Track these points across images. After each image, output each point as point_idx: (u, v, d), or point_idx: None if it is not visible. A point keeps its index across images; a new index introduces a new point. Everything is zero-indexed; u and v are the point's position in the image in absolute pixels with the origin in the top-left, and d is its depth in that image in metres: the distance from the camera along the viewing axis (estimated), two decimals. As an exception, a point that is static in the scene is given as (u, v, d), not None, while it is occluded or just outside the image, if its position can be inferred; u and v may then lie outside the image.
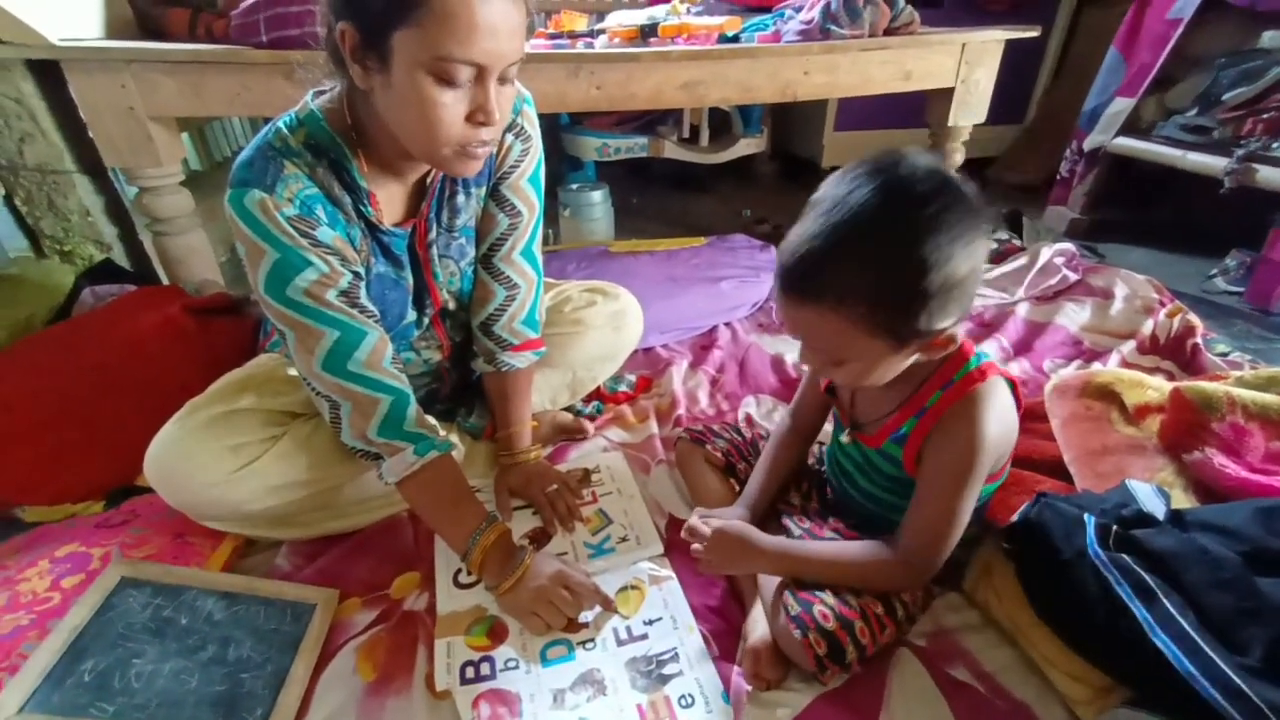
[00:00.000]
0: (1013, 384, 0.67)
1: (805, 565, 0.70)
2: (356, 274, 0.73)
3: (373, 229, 0.75)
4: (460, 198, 0.82)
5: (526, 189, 0.86)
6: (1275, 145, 1.59)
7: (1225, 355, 1.25)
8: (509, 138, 0.82)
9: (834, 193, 0.56)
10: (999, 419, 0.64)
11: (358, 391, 0.73)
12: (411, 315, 0.85)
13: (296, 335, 0.70)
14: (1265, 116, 1.66)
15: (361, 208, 0.73)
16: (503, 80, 0.65)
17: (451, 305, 0.89)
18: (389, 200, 0.76)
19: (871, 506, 0.77)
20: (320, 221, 0.69)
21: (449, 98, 0.61)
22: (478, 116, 0.64)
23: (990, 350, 1.33)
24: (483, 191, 0.84)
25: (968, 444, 0.63)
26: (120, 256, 1.42)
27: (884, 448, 0.71)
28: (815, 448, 0.95)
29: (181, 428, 0.78)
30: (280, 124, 0.69)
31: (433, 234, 0.81)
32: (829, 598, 0.66)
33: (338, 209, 0.71)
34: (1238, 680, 0.53)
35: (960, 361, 0.66)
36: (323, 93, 0.72)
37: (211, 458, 0.76)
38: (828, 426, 1.00)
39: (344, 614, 0.79)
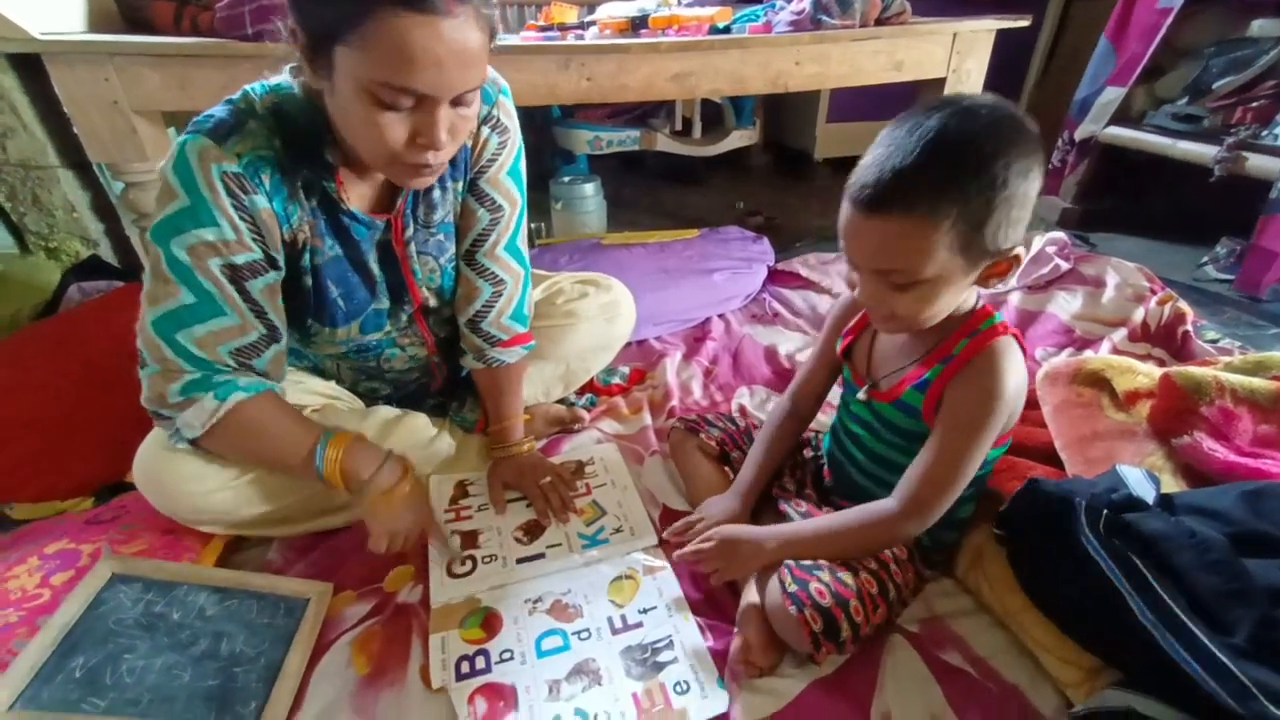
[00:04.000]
0: (1023, 348, 0.68)
1: (805, 543, 0.71)
2: (270, 257, 0.70)
3: (332, 207, 0.73)
4: (436, 193, 0.80)
5: (506, 182, 0.83)
6: (1264, 133, 1.60)
7: (1215, 342, 1.26)
8: (485, 130, 0.79)
9: (904, 125, 0.58)
10: (1017, 372, 0.65)
11: (172, 359, 0.68)
12: (384, 303, 0.83)
13: (153, 284, 0.67)
14: (1254, 105, 1.67)
15: (325, 184, 0.71)
16: (460, 103, 0.62)
17: (433, 302, 0.87)
18: (356, 187, 0.75)
19: (876, 471, 0.77)
20: (259, 188, 0.66)
21: (388, 119, 0.59)
22: (419, 141, 0.62)
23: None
24: (459, 186, 0.82)
25: (989, 392, 0.64)
26: (107, 252, 1.41)
27: (902, 399, 0.71)
28: (811, 436, 0.96)
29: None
30: (249, 88, 0.68)
31: (409, 231, 0.79)
32: (825, 575, 0.67)
33: (284, 181, 0.68)
34: (1224, 659, 0.54)
35: (985, 315, 0.68)
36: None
37: (205, 468, 0.76)
38: (822, 417, 1.01)
39: (337, 607, 0.78)
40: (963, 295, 0.64)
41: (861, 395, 0.76)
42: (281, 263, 0.72)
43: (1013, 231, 0.59)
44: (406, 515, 0.77)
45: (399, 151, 0.62)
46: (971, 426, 0.65)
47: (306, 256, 0.74)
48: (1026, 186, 0.58)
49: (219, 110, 0.66)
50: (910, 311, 0.63)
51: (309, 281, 0.76)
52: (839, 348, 0.81)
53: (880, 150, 0.59)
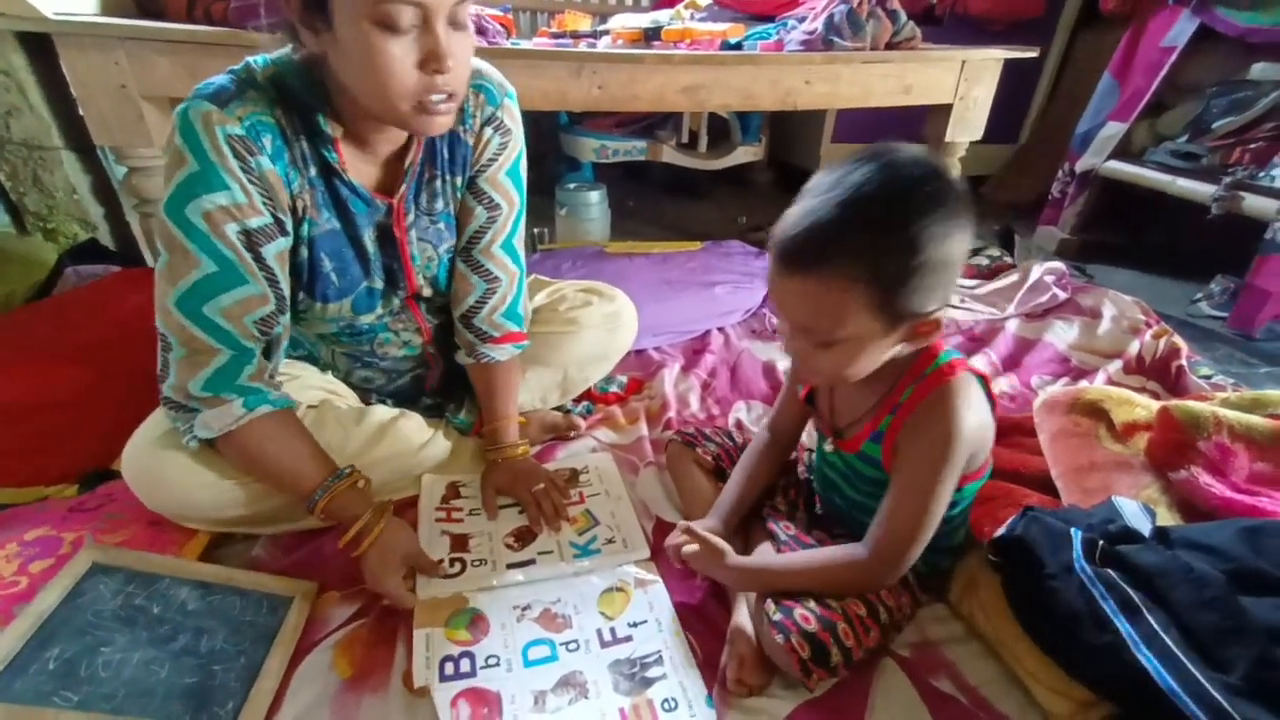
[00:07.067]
0: (984, 380, 0.67)
1: (776, 578, 0.70)
2: (279, 221, 0.70)
3: (331, 176, 0.73)
4: (438, 182, 0.81)
5: (505, 183, 0.85)
6: (1261, 174, 1.62)
7: (1208, 378, 1.27)
8: (487, 131, 0.80)
9: (831, 176, 0.58)
10: (973, 411, 0.64)
11: (200, 337, 0.68)
12: (377, 283, 0.83)
13: (170, 260, 0.67)
14: (1253, 146, 1.70)
15: (325, 152, 0.71)
16: (455, 24, 0.63)
17: (427, 291, 0.87)
18: (358, 165, 0.75)
19: (860, 517, 0.76)
20: (262, 150, 0.67)
21: (397, 47, 0.60)
22: (430, 64, 0.62)
23: (979, 365, 1.34)
24: (459, 181, 0.83)
25: (941, 436, 0.63)
26: (105, 236, 1.40)
27: (863, 450, 0.71)
28: (805, 455, 0.95)
29: (165, 427, 0.75)
30: (251, 60, 0.68)
31: (410, 216, 0.80)
32: (810, 601, 0.66)
33: (286, 147, 0.69)
34: (1219, 697, 0.53)
35: (930, 358, 0.67)
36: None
37: (193, 465, 0.74)
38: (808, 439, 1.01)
39: (322, 607, 0.77)
40: (888, 354, 0.62)
41: (829, 446, 0.76)
42: (289, 227, 0.72)
43: (933, 296, 0.58)
44: (383, 566, 0.75)
45: (412, 87, 0.62)
46: (929, 473, 0.63)
47: (305, 226, 0.74)
48: (947, 251, 0.56)
49: (220, 78, 0.66)
50: (832, 369, 0.62)
51: (305, 253, 0.75)
52: (801, 394, 0.80)
53: (806, 203, 0.58)
